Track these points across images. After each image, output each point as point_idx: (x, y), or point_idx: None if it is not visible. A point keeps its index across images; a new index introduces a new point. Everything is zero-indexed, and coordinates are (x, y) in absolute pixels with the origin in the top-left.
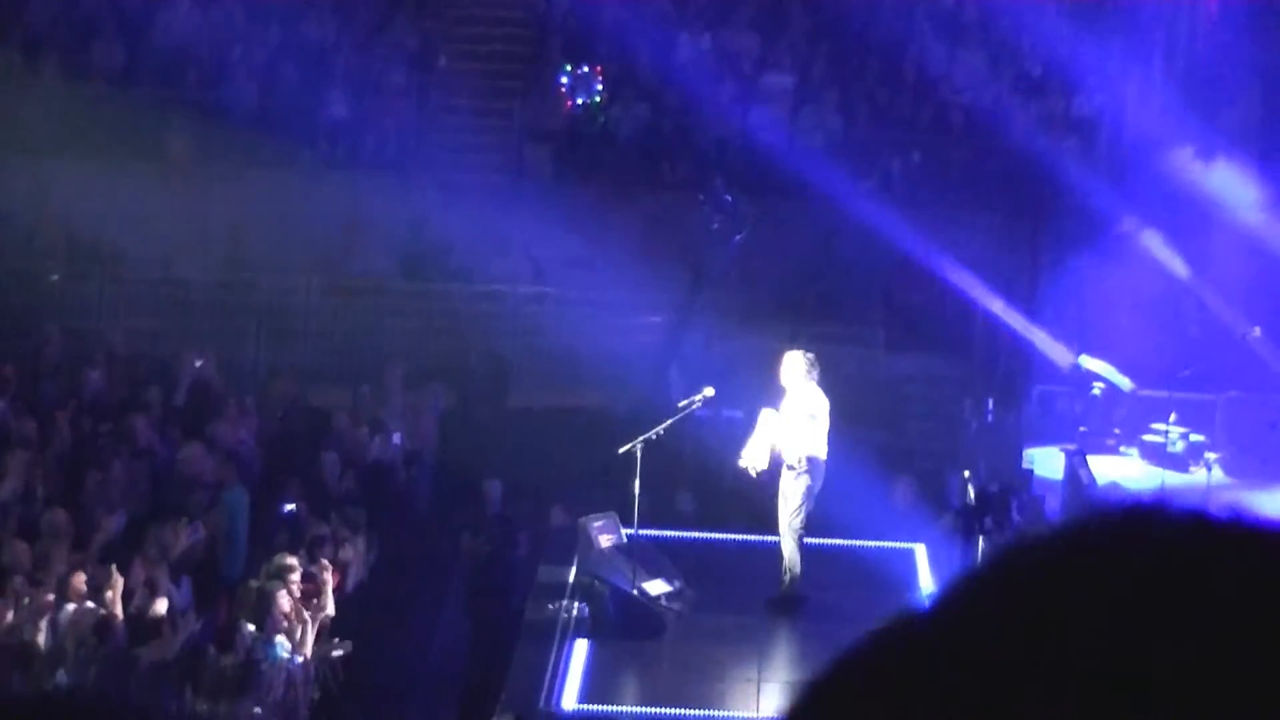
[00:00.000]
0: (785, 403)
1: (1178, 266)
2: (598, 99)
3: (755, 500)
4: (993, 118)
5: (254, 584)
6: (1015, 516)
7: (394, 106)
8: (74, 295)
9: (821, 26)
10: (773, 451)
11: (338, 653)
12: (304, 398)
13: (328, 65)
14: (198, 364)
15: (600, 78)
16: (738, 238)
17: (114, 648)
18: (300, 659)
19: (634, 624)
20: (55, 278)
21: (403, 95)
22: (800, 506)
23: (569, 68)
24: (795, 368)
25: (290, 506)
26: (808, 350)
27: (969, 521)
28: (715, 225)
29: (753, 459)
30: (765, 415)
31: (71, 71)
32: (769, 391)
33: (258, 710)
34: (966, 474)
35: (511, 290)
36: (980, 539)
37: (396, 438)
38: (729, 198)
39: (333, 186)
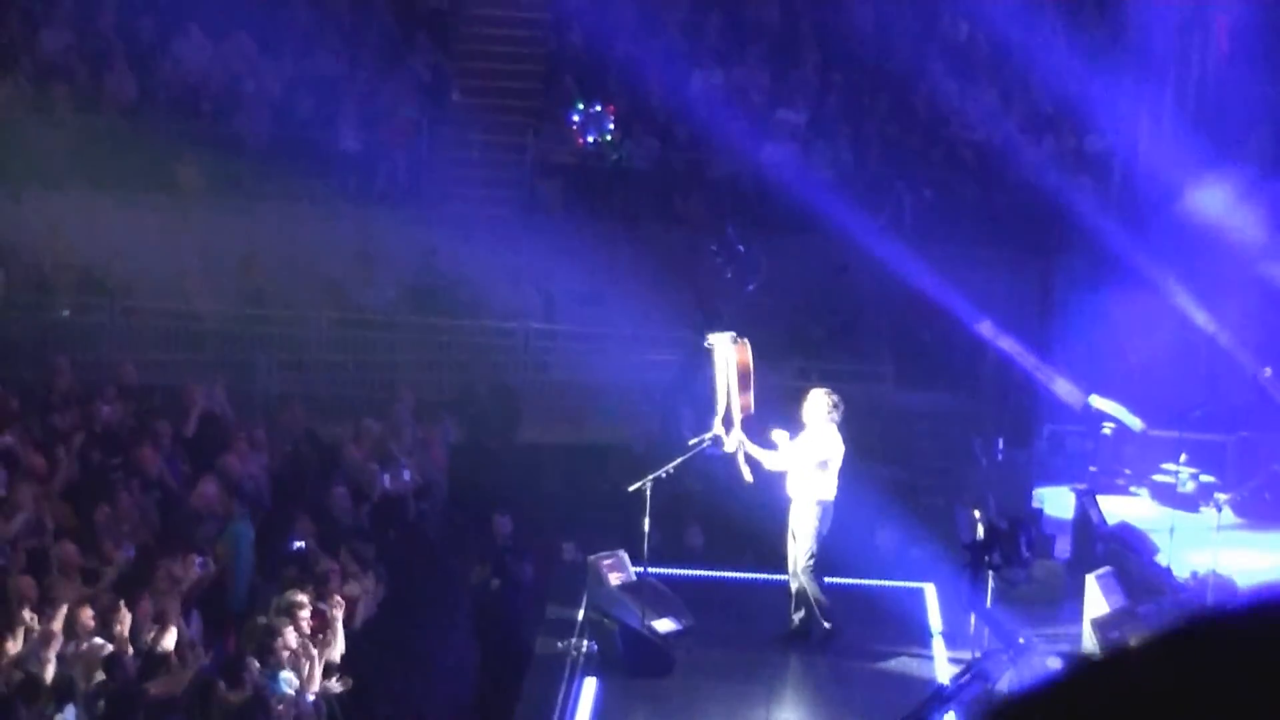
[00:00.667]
0: (802, 439)
1: (1189, 306)
2: (609, 137)
3: (765, 538)
4: (1004, 154)
5: (262, 620)
6: (1024, 553)
7: (406, 140)
8: (84, 327)
9: (833, 62)
10: (757, 465)
11: (338, 688)
12: (314, 430)
13: (340, 98)
14: (207, 396)
15: (612, 116)
16: (750, 286)
17: (122, 681)
18: (309, 695)
19: (643, 662)
20: (66, 312)
21: (415, 128)
22: (811, 546)
23: (581, 105)
24: (818, 407)
25: (300, 544)
26: (830, 390)
27: (977, 556)
28: (729, 274)
29: (746, 470)
30: (777, 435)
31: (83, 103)
32: (778, 427)
33: None
34: (976, 512)
35: (522, 325)
36: (989, 574)
37: (406, 472)
38: (742, 247)
39: (344, 219)
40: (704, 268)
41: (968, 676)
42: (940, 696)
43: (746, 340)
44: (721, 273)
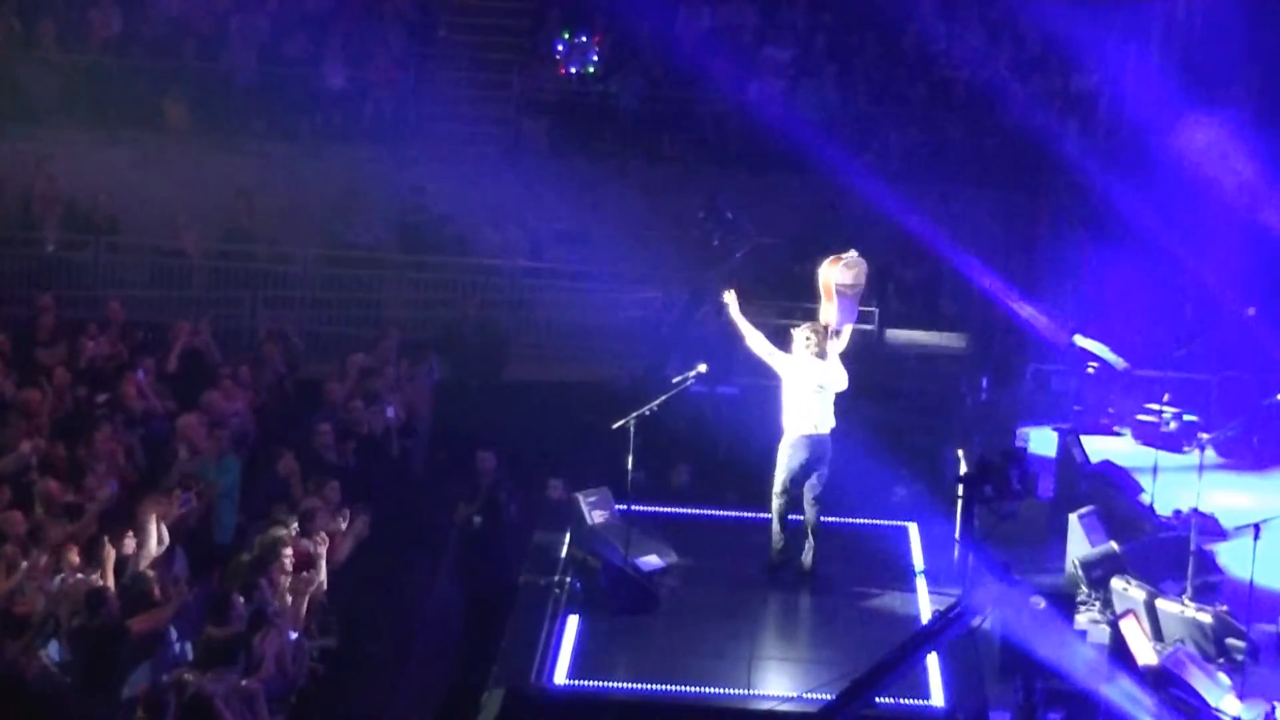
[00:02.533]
0: (780, 359)
1: (1174, 245)
2: (591, 69)
3: (750, 477)
4: (991, 94)
5: (246, 556)
6: (1015, 485)
7: (392, 77)
8: (70, 263)
9: (821, 1)
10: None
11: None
12: (299, 367)
13: (326, 35)
14: (193, 332)
15: (597, 48)
16: (739, 255)
17: (107, 617)
18: (293, 632)
19: (626, 599)
20: (51, 247)
21: (401, 66)
22: (780, 475)
23: (566, 35)
24: (794, 342)
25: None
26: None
27: (970, 489)
28: (716, 242)
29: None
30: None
31: (69, 40)
32: (763, 366)
33: (246, 683)
34: (960, 451)
35: (508, 263)
36: (981, 508)
37: (391, 409)
38: (730, 215)
39: (330, 157)
40: (692, 236)
41: (952, 614)
42: (924, 635)
43: (844, 256)
44: (709, 239)
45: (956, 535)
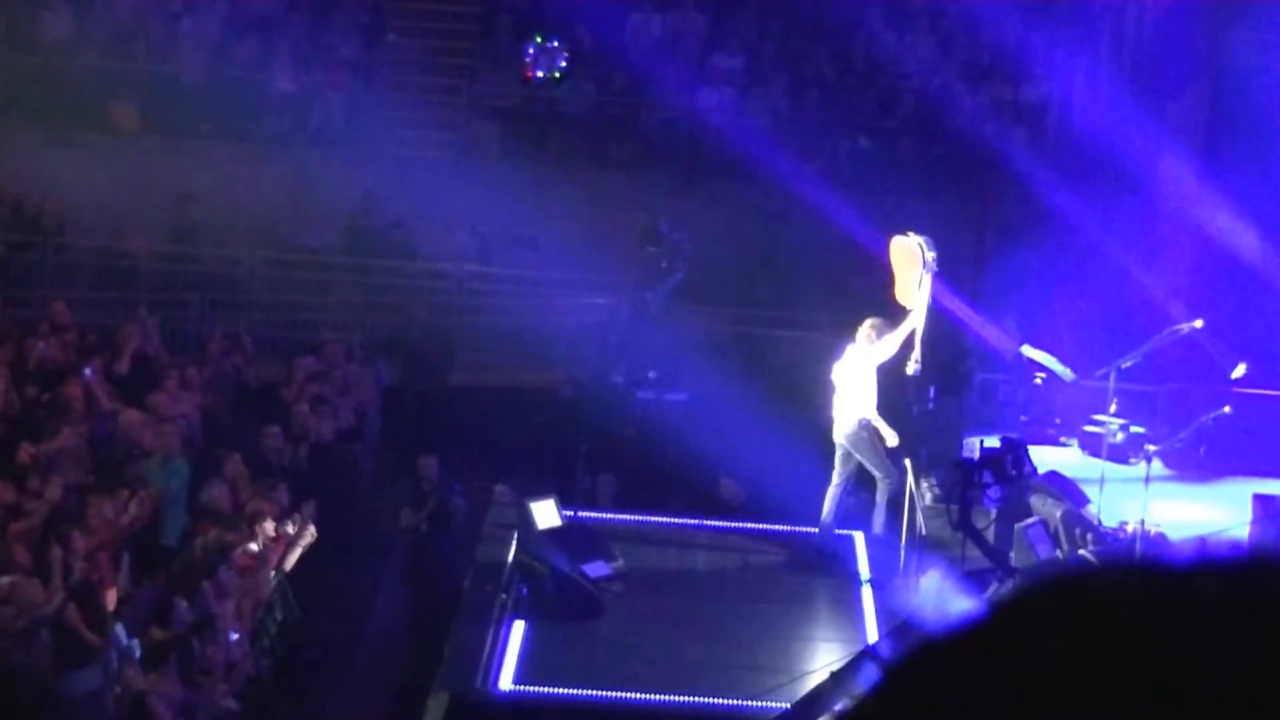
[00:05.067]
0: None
1: (1122, 257)
2: (558, 75)
3: (696, 482)
4: (941, 104)
5: (192, 558)
6: (1011, 471)
7: (342, 81)
8: (17, 264)
9: (771, 9)
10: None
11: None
12: (246, 370)
13: (276, 39)
14: (141, 333)
15: (566, 54)
16: (680, 275)
17: (52, 620)
18: (235, 635)
19: (573, 605)
20: None
21: (351, 70)
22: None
23: (539, 39)
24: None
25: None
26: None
27: (968, 475)
28: (665, 264)
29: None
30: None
31: (19, 40)
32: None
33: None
34: (907, 461)
35: (456, 267)
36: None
37: (339, 412)
38: (676, 237)
39: (279, 160)
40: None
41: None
42: (868, 656)
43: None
44: (657, 263)
45: (902, 543)
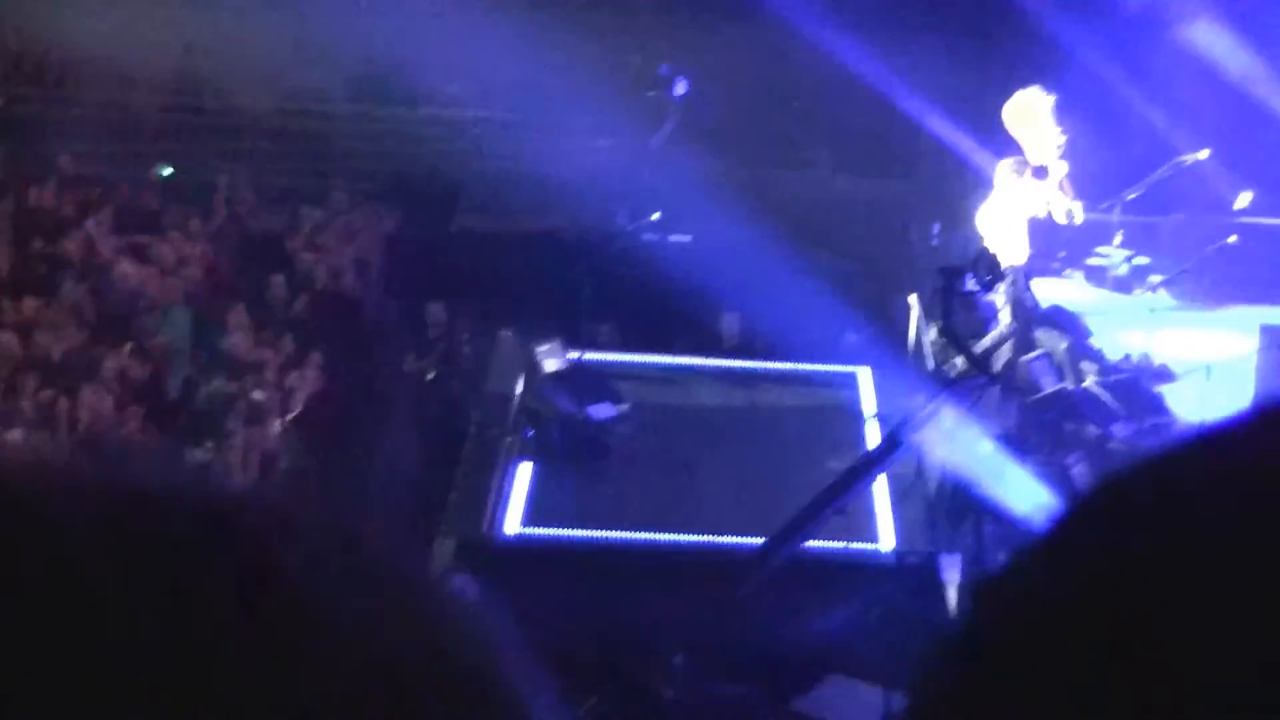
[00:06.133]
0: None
1: (1127, 88)
2: None
3: (700, 323)
4: None
5: (198, 409)
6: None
7: None
8: (20, 116)
9: None
10: None
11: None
12: (251, 219)
13: None
14: (145, 185)
15: None
16: (669, 128)
17: None
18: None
19: (578, 447)
20: (1, 101)
21: None
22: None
23: None
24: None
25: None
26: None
27: (950, 279)
28: (665, 107)
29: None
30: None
31: None
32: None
33: None
34: (913, 296)
35: (458, 113)
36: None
37: (343, 260)
38: (677, 79)
39: (281, 7)
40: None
41: (884, 446)
42: (858, 470)
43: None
44: (656, 107)
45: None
